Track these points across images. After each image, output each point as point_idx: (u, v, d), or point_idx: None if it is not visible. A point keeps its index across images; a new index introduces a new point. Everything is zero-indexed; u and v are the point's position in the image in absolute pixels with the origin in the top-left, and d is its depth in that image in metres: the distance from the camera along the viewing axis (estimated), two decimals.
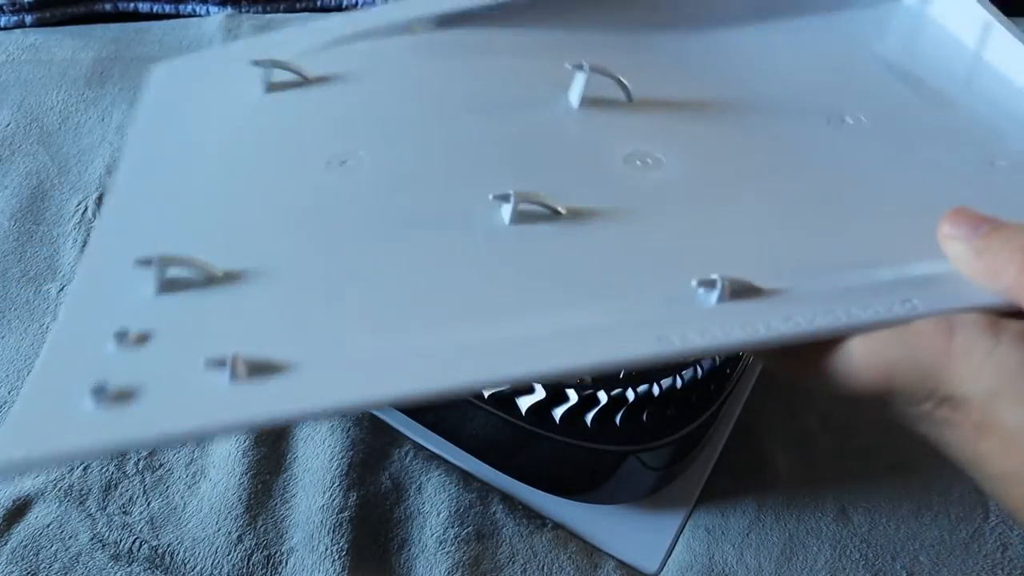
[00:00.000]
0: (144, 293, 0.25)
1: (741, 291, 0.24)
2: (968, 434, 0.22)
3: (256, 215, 0.29)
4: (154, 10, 0.66)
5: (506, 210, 0.27)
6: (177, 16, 0.66)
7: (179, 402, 0.22)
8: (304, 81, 0.35)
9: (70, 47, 0.62)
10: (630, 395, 0.36)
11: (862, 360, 0.23)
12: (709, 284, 0.24)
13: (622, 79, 0.32)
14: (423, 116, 0.33)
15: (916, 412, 0.23)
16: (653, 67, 0.36)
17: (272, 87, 0.35)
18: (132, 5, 0.66)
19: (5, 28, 0.64)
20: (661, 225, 0.27)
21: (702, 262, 0.25)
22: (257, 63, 0.35)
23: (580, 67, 0.32)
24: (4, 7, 0.63)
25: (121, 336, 0.24)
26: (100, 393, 0.22)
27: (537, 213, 0.27)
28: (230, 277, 0.26)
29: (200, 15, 0.66)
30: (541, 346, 0.23)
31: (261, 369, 0.22)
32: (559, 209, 0.27)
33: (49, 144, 0.56)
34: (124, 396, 0.22)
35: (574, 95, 0.32)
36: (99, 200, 0.53)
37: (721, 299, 0.24)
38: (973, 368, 0.21)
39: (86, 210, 0.52)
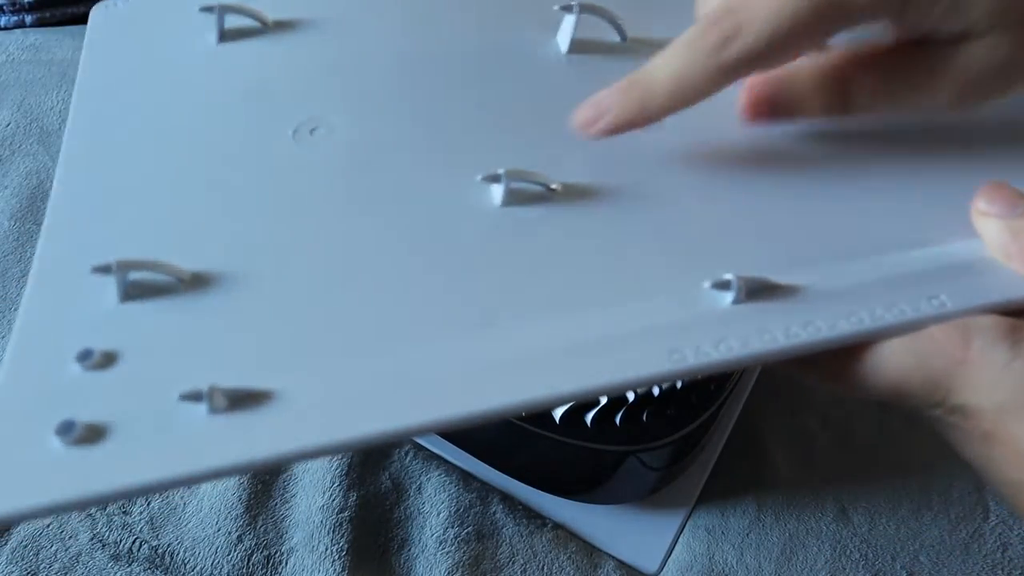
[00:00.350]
0: (105, 303, 0.23)
1: (757, 290, 0.22)
2: (978, 442, 0.22)
3: (220, 201, 0.26)
4: None
5: (497, 190, 0.25)
6: None
7: (155, 442, 0.20)
8: (263, 28, 0.31)
9: (70, 47, 0.62)
10: (630, 395, 0.36)
11: (874, 367, 0.22)
12: (723, 285, 0.22)
13: (616, 17, 0.30)
14: (399, 70, 0.30)
15: (927, 414, 0.23)
16: (648, 1, 0.32)
17: (226, 35, 0.31)
18: None
19: (5, 28, 0.63)
20: (664, 205, 0.25)
21: (712, 251, 0.23)
22: (206, 9, 0.31)
23: (569, 8, 0.29)
24: (4, 7, 0.63)
25: (85, 356, 0.22)
26: (68, 431, 0.20)
27: (530, 191, 0.25)
28: (198, 280, 0.24)
29: None
30: (544, 367, 0.21)
31: (242, 400, 0.20)
32: (553, 186, 0.25)
33: (49, 144, 0.56)
34: (93, 434, 0.20)
35: (563, 39, 0.30)
36: None
37: (737, 300, 0.22)
38: (987, 381, 0.21)
39: None
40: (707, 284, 0.22)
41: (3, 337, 0.46)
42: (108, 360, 0.22)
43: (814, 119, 0.26)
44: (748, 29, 0.23)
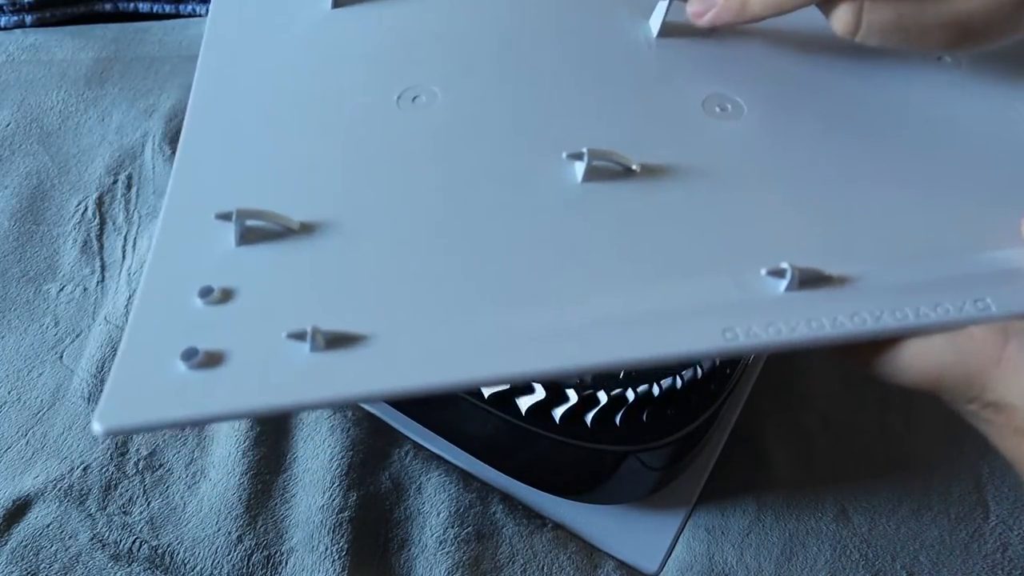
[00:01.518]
0: (225, 246, 0.26)
1: (810, 280, 0.24)
2: (1009, 436, 0.23)
3: (328, 159, 0.29)
4: (154, 10, 0.66)
5: (579, 167, 0.27)
6: (177, 16, 0.66)
7: (264, 372, 0.22)
8: None
9: (70, 47, 0.62)
10: (630, 395, 0.36)
11: (913, 359, 0.23)
12: (778, 273, 0.23)
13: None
14: (498, 42, 0.32)
15: (960, 408, 0.24)
16: None
17: (340, 1, 0.34)
18: (132, 5, 0.65)
19: (5, 28, 0.63)
20: (735, 189, 0.27)
21: (773, 237, 0.25)
22: None
23: None
24: (4, 7, 0.63)
25: (206, 292, 0.24)
26: (191, 357, 0.22)
27: (610, 169, 0.27)
28: (306, 229, 0.26)
29: (200, 15, 0.66)
30: (609, 334, 0.23)
31: (339, 341, 0.23)
32: (632, 167, 0.27)
33: (49, 144, 0.56)
34: (212, 360, 0.23)
35: (655, 23, 0.32)
36: (99, 200, 0.53)
37: (790, 288, 0.23)
38: (1021, 380, 0.22)
39: (86, 210, 0.52)
40: (764, 271, 0.24)
41: (3, 337, 0.46)
42: (226, 296, 0.24)
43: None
44: None
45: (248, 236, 0.26)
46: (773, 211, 0.26)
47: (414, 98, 0.30)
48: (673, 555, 0.40)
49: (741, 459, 0.43)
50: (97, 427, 0.21)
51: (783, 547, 0.40)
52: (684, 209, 0.26)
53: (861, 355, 0.24)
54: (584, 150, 0.26)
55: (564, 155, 0.27)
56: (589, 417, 0.36)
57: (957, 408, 0.24)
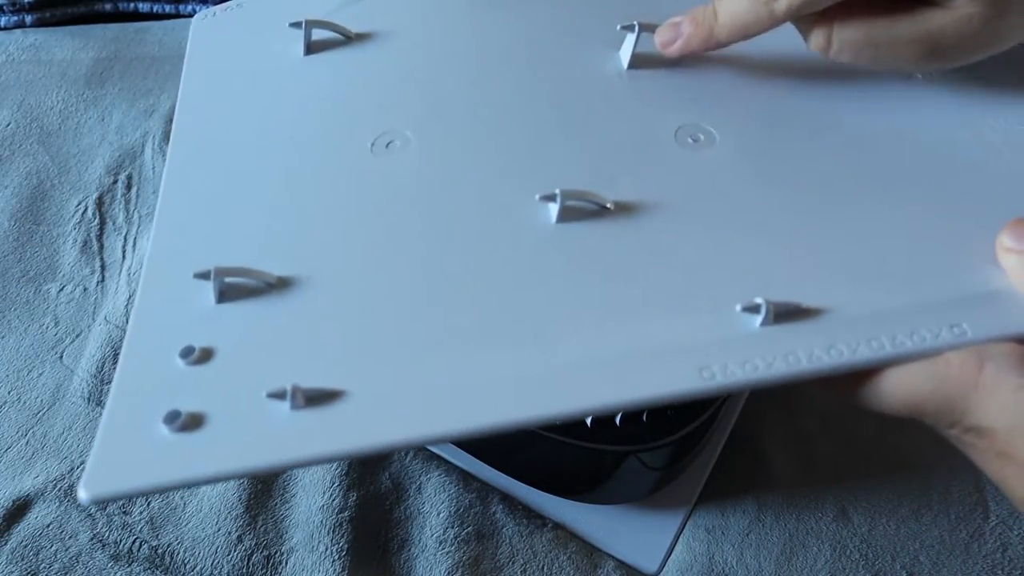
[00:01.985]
0: (205, 304, 0.26)
1: (785, 313, 0.24)
2: (993, 460, 0.22)
3: (304, 210, 0.29)
4: (154, 10, 0.66)
5: (553, 208, 0.27)
6: (177, 16, 0.66)
7: (245, 433, 0.22)
8: (346, 40, 0.34)
9: (70, 47, 0.62)
10: None
11: (892, 388, 0.23)
12: (753, 309, 0.23)
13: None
14: (469, 83, 0.33)
15: (944, 433, 0.24)
16: None
17: (313, 47, 0.34)
18: (132, 5, 0.65)
19: (5, 28, 0.64)
20: (708, 224, 0.27)
21: (747, 272, 0.25)
22: (295, 24, 0.34)
23: (631, 27, 0.31)
24: (4, 7, 0.63)
25: (187, 352, 0.25)
26: (173, 420, 0.23)
27: (584, 209, 0.27)
28: (284, 283, 0.27)
29: None
30: (586, 377, 0.23)
31: (318, 398, 0.23)
32: (607, 205, 0.27)
33: (49, 144, 0.56)
34: (194, 422, 0.23)
35: (624, 55, 0.32)
36: (99, 200, 0.53)
37: (765, 323, 0.23)
38: (998, 403, 0.22)
39: (86, 210, 0.52)
40: (739, 307, 0.24)
41: (3, 337, 0.47)
42: (206, 356, 0.25)
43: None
44: None
45: (228, 293, 0.26)
46: (746, 245, 0.26)
47: (388, 144, 0.30)
48: (673, 555, 0.40)
49: (741, 459, 0.43)
50: (83, 495, 0.21)
51: (783, 547, 0.40)
52: (658, 246, 0.26)
53: (841, 385, 0.24)
54: (557, 191, 0.27)
55: (537, 197, 0.27)
56: (589, 417, 0.36)
57: (941, 432, 0.24)
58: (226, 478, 0.23)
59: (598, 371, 0.23)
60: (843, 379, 0.24)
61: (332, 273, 0.27)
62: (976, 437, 0.22)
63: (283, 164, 0.31)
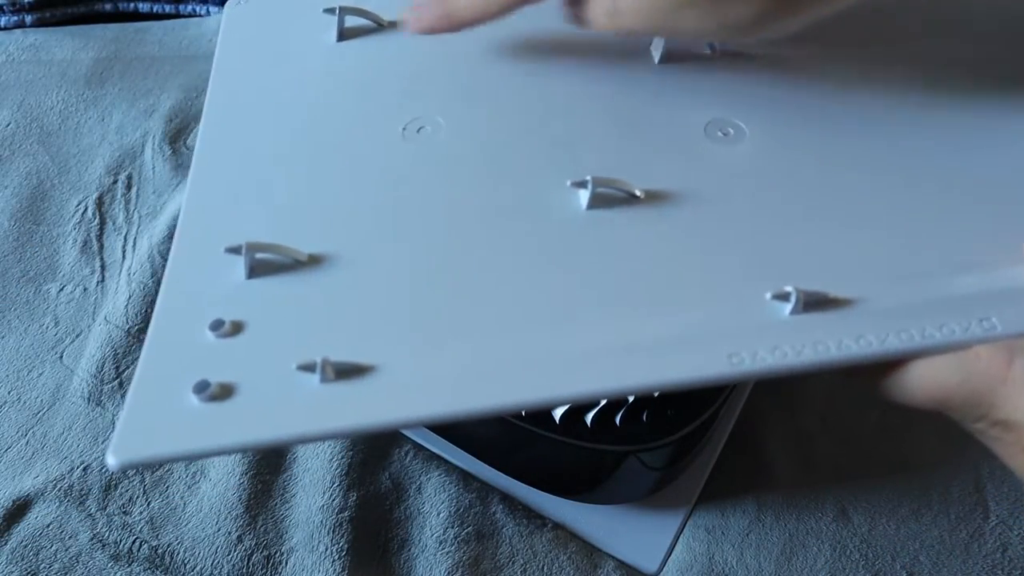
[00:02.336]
0: (235, 279, 0.26)
1: (815, 303, 0.24)
2: (1018, 453, 0.23)
3: (335, 191, 0.29)
4: (154, 10, 0.66)
5: (583, 195, 0.27)
6: (177, 16, 0.66)
7: (274, 404, 0.23)
8: (378, 27, 0.35)
9: (70, 47, 0.62)
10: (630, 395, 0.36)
11: (919, 380, 0.23)
12: (783, 296, 0.24)
13: None
14: (501, 71, 0.33)
15: (969, 427, 0.24)
16: None
17: (346, 33, 0.34)
18: (132, 5, 0.65)
19: (5, 28, 0.63)
20: (738, 213, 0.27)
21: (777, 261, 0.25)
22: (328, 10, 0.34)
23: None
24: (4, 7, 0.63)
25: (217, 325, 0.25)
26: (203, 390, 0.23)
27: (614, 196, 0.27)
28: (315, 260, 0.27)
29: (200, 15, 0.66)
30: (615, 361, 0.23)
31: (348, 372, 0.23)
32: (636, 193, 0.27)
33: (49, 144, 0.56)
34: (224, 392, 0.23)
35: (656, 50, 0.32)
36: (99, 200, 0.53)
37: (795, 311, 0.23)
38: None
39: (86, 210, 0.52)
40: (768, 295, 0.24)
41: (3, 337, 0.47)
42: (236, 329, 0.25)
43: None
44: None
45: (258, 269, 0.26)
46: (777, 234, 0.26)
47: (419, 129, 0.30)
48: (673, 555, 0.40)
49: (741, 459, 0.43)
50: (112, 461, 0.21)
51: (783, 547, 0.40)
52: (688, 234, 0.26)
53: (867, 376, 0.24)
54: (588, 178, 0.27)
55: (568, 183, 0.27)
56: (589, 417, 0.36)
57: (966, 427, 0.24)
58: (254, 447, 0.23)
59: (626, 354, 0.23)
60: (869, 370, 0.24)
61: (362, 252, 0.27)
62: (1003, 431, 0.22)
63: (314, 146, 0.31)
